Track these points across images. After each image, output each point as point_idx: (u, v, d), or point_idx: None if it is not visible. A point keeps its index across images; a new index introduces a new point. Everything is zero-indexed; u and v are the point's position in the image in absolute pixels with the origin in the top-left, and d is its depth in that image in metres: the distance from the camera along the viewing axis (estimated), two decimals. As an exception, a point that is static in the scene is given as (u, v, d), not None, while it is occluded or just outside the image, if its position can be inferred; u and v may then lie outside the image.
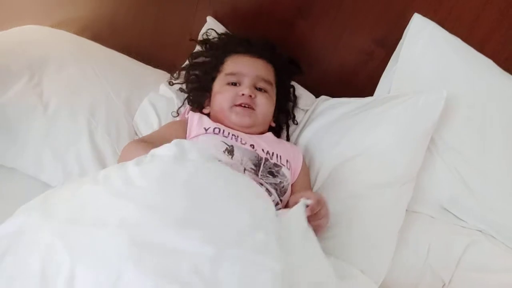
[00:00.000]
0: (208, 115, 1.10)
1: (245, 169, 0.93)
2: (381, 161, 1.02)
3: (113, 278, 0.52)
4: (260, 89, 1.07)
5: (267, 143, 1.04)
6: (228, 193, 0.67)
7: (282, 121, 1.19)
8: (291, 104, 1.21)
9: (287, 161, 1.03)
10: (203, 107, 1.13)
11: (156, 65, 1.30)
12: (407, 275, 1.03)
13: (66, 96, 1.01)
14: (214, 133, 0.99)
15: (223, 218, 0.62)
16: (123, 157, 0.90)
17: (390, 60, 1.19)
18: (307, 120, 1.20)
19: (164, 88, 1.18)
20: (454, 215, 1.10)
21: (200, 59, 1.19)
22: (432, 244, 1.04)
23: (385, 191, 1.00)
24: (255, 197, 0.71)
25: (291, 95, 1.22)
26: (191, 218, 0.60)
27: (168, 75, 1.23)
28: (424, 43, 1.13)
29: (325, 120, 1.15)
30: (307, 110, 1.23)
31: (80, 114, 1.01)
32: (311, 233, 0.73)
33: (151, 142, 0.91)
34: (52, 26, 1.22)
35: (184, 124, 1.04)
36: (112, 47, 1.25)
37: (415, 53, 1.13)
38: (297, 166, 1.05)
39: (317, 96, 1.27)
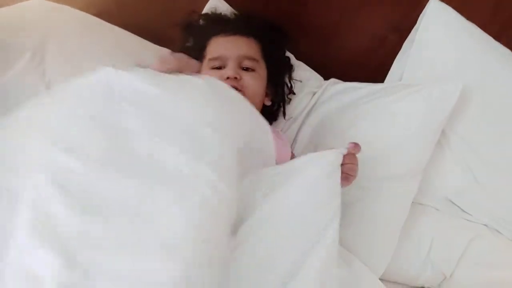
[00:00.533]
0: None
1: None
2: (391, 153, 0.99)
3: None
4: (246, 69, 1.02)
5: None
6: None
7: (278, 98, 1.13)
8: (286, 75, 1.15)
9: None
10: None
11: (165, 44, 1.26)
12: (408, 268, 1.02)
13: (69, 76, 0.99)
14: None
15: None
16: None
17: (403, 46, 1.15)
18: (314, 104, 1.16)
19: None
20: (460, 208, 1.08)
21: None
22: (436, 237, 1.03)
23: (393, 184, 0.98)
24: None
25: (285, 65, 1.15)
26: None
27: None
28: (440, 30, 1.09)
29: (334, 106, 1.11)
30: (314, 93, 1.18)
31: None
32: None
33: None
34: (56, 2, 1.19)
35: None
36: (119, 24, 1.22)
37: (430, 39, 1.09)
38: (286, 157, 1.00)
39: (325, 78, 1.22)
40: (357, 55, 1.23)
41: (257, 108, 1.03)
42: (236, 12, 1.16)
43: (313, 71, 1.22)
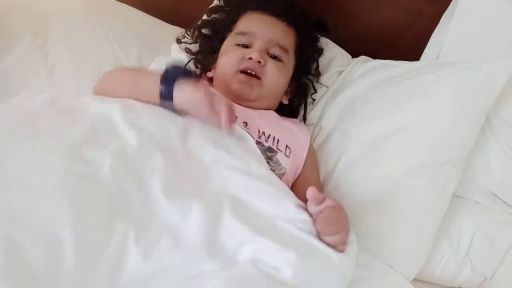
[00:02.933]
0: (211, 80, 0.97)
1: None
2: (429, 139, 0.89)
3: None
4: (273, 57, 0.92)
5: (266, 122, 0.91)
6: None
7: (298, 99, 1.03)
8: (311, 79, 1.05)
9: (286, 146, 0.89)
10: (209, 70, 0.99)
11: (176, 22, 1.20)
12: (444, 267, 0.94)
13: (72, 59, 0.96)
14: None
15: None
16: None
17: (442, 19, 1.05)
18: (341, 83, 1.06)
19: (176, 48, 1.07)
20: (504, 201, 0.98)
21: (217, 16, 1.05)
22: (476, 234, 0.93)
23: (431, 174, 0.88)
24: None
25: (314, 68, 1.05)
26: None
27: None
28: (484, 0, 0.98)
29: (365, 84, 1.00)
30: (341, 71, 1.08)
31: (86, 79, 0.93)
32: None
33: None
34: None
35: None
36: (128, 2, 1.16)
37: (472, 11, 0.99)
38: (302, 153, 0.92)
39: (354, 56, 1.13)
40: (388, 30, 1.14)
41: (272, 104, 0.96)
42: None
43: (340, 48, 1.13)
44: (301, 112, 1.04)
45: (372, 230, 0.88)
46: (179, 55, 1.06)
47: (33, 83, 0.91)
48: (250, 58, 0.89)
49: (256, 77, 0.90)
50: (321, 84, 1.06)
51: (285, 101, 1.00)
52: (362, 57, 1.10)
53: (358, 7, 1.13)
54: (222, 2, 1.06)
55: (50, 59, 0.94)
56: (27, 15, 0.97)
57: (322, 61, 1.07)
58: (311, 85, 1.05)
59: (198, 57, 1.03)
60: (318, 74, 1.06)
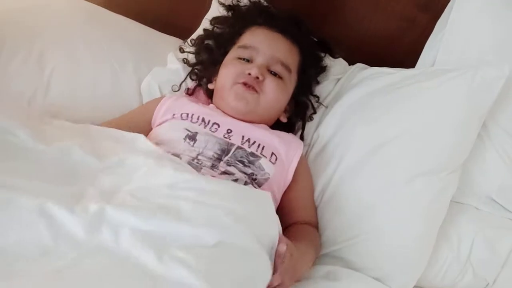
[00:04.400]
0: (212, 92, 0.98)
1: (198, 154, 0.82)
2: (426, 146, 0.89)
3: None
4: (274, 74, 0.91)
5: (252, 131, 0.90)
6: None
7: (296, 118, 1.01)
8: (311, 98, 1.03)
9: (272, 153, 0.88)
10: (210, 82, 0.99)
11: (173, 33, 1.19)
12: (445, 273, 0.93)
13: (68, 72, 0.95)
14: (182, 119, 0.88)
15: None
16: None
17: (436, 27, 1.06)
18: (339, 90, 1.06)
19: (172, 59, 1.06)
20: (503, 206, 0.98)
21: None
22: (476, 239, 0.93)
23: (428, 180, 0.88)
24: None
25: (313, 87, 1.03)
26: None
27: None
28: (477, 7, 0.98)
29: (362, 92, 1.00)
30: (339, 80, 1.08)
31: (82, 92, 0.95)
32: None
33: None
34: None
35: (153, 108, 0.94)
36: (126, 13, 1.15)
37: (466, 18, 0.99)
38: (291, 163, 0.90)
39: (350, 64, 1.12)
40: (383, 38, 1.15)
41: (267, 120, 0.95)
42: (288, 11, 1.03)
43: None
44: (298, 132, 1.02)
45: (370, 236, 0.88)
46: (175, 66, 1.05)
47: (29, 97, 0.90)
48: (250, 74, 0.88)
49: (253, 90, 0.89)
50: (321, 104, 1.03)
51: (284, 119, 0.98)
52: (359, 65, 1.10)
53: (353, 16, 1.14)
54: (226, 13, 1.05)
55: (46, 72, 0.92)
56: (22, 29, 0.95)
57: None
58: (310, 105, 1.03)
59: (197, 68, 1.02)
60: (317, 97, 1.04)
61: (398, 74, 1.00)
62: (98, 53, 0.99)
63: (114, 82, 0.99)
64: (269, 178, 0.86)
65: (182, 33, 1.18)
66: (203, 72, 1.01)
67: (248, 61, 0.92)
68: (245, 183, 0.81)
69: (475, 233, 0.93)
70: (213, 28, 1.05)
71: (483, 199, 0.97)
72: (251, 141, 0.88)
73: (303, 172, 0.93)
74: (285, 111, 0.98)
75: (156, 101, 0.96)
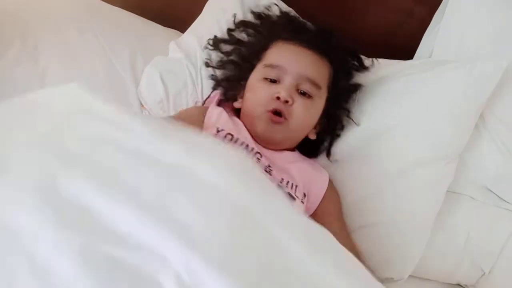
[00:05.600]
0: (239, 110, 0.93)
1: None
2: (424, 135, 0.89)
3: None
4: (303, 93, 0.86)
5: (285, 166, 0.86)
6: None
7: (325, 135, 0.95)
8: (344, 112, 0.96)
9: (304, 194, 0.85)
10: (235, 100, 0.94)
11: (169, 25, 1.19)
12: (442, 263, 0.94)
13: (64, 64, 0.94)
14: (225, 139, 0.82)
15: None
16: None
17: (433, 19, 1.06)
18: None
19: (174, 48, 1.05)
20: (499, 196, 0.98)
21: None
22: (473, 229, 0.94)
23: (426, 170, 0.88)
24: None
25: (347, 101, 0.96)
26: None
27: (181, 34, 1.10)
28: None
29: (363, 82, 0.99)
30: None
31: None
32: None
33: None
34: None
35: (203, 113, 0.88)
36: (122, 5, 1.15)
37: (462, 10, 0.99)
38: (317, 197, 0.86)
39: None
40: (380, 31, 1.14)
41: (295, 141, 0.91)
42: (315, 25, 1.01)
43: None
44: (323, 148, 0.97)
45: (368, 224, 0.89)
46: (177, 55, 1.04)
47: (25, 89, 0.88)
48: (278, 98, 0.84)
49: (283, 117, 0.85)
50: (352, 120, 0.96)
51: (313, 136, 0.93)
52: None
53: (350, 9, 1.13)
54: (259, 23, 1.01)
55: (41, 64, 0.92)
56: (18, 21, 0.95)
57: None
58: (339, 121, 0.96)
59: (224, 84, 0.98)
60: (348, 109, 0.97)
61: (396, 65, 1.00)
62: (93, 45, 0.99)
63: (110, 74, 0.99)
64: None
65: (178, 24, 1.19)
66: (229, 88, 0.97)
67: (274, 81, 0.87)
68: None
69: (471, 223, 0.94)
70: (235, 38, 1.00)
71: (479, 189, 0.98)
72: (286, 181, 0.84)
73: (331, 195, 0.89)
74: (315, 127, 0.93)
75: (202, 110, 0.90)
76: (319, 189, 0.88)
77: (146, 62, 1.03)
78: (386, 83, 0.96)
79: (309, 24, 0.99)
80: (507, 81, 0.92)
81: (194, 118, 0.86)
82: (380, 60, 1.03)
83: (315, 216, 0.85)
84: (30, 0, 1.03)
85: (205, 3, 1.11)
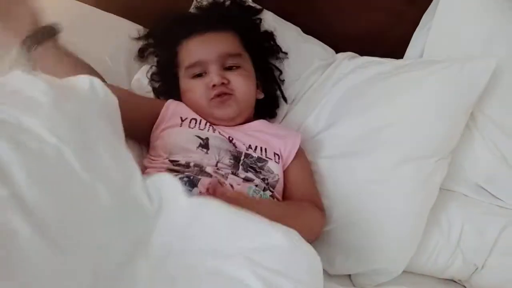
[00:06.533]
0: None
1: (217, 162, 0.82)
2: (415, 132, 0.91)
3: None
4: (230, 68, 0.91)
5: (249, 134, 0.91)
6: None
7: (270, 86, 1.02)
8: (272, 57, 1.04)
9: (274, 154, 0.89)
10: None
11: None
12: (436, 259, 0.96)
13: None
14: (189, 127, 0.87)
15: None
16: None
17: (422, 20, 1.07)
18: (329, 80, 1.07)
19: None
20: (491, 193, 1.01)
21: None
22: (466, 225, 0.96)
23: (418, 165, 0.90)
24: None
25: (268, 47, 1.03)
26: None
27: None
28: (463, 0, 0.99)
29: (354, 81, 1.01)
30: (325, 66, 1.09)
31: None
32: None
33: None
34: (48, -10, 1.12)
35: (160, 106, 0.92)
36: (116, 12, 1.15)
37: (451, 11, 1.00)
38: (289, 155, 0.91)
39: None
40: (371, 32, 1.15)
41: (250, 108, 0.95)
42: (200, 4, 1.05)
43: (323, 44, 1.14)
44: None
45: (360, 219, 0.90)
46: None
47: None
48: (214, 85, 0.88)
49: (228, 94, 0.89)
50: (283, 58, 1.06)
51: (261, 96, 0.99)
52: (349, 53, 1.12)
53: (341, 11, 1.14)
54: (153, 40, 1.03)
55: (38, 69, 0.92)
56: (13, 27, 0.94)
57: (305, 55, 1.08)
58: (274, 67, 1.05)
59: (164, 95, 1.00)
60: (275, 52, 1.05)
61: (388, 64, 1.01)
62: (89, 52, 0.99)
63: (107, 79, 0.99)
64: (279, 179, 0.87)
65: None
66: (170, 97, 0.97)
67: (201, 74, 0.91)
68: (264, 189, 0.82)
69: (464, 220, 0.96)
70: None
71: (472, 186, 1.00)
72: (253, 146, 0.89)
73: (300, 158, 0.93)
74: (257, 88, 0.98)
75: (161, 102, 0.94)
76: (290, 147, 0.92)
77: (141, 68, 1.05)
78: (377, 82, 0.98)
79: (191, 12, 1.03)
80: (497, 81, 0.93)
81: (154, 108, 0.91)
82: (372, 58, 1.05)
83: (286, 171, 0.90)
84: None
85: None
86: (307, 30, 1.14)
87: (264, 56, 1.03)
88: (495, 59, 0.90)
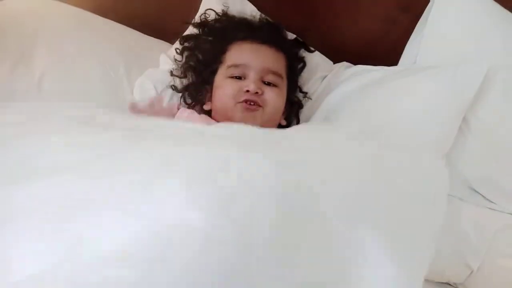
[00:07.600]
0: (209, 112, 0.99)
1: None
2: (410, 137, 0.92)
3: None
4: (268, 84, 0.93)
5: None
6: None
7: (292, 117, 1.04)
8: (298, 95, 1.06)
9: None
10: (203, 103, 1.00)
11: (162, 37, 1.21)
12: (433, 263, 0.95)
13: (60, 76, 0.96)
14: None
15: None
16: None
17: (416, 28, 1.09)
18: (326, 88, 1.10)
19: (164, 60, 1.08)
20: (484, 197, 1.01)
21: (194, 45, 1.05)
22: (461, 229, 0.96)
23: None
24: None
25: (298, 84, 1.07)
26: None
27: (171, 46, 1.13)
28: (455, 8, 1.02)
29: (349, 88, 1.04)
30: (324, 77, 1.12)
31: (74, 95, 0.95)
32: None
33: None
34: (48, -3, 1.14)
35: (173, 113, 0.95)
36: (115, 19, 1.17)
37: (444, 18, 1.03)
38: None
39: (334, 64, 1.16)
40: (365, 40, 1.18)
41: (272, 127, 0.96)
42: (263, 18, 1.07)
43: (322, 55, 1.17)
44: None
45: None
46: (167, 67, 1.07)
47: (21, 99, 0.91)
48: (248, 91, 0.90)
49: (257, 105, 0.91)
50: (308, 98, 1.08)
51: (284, 122, 1.01)
52: (345, 63, 1.15)
53: (337, 19, 1.16)
54: (203, 31, 1.05)
55: (37, 75, 0.94)
56: (12, 35, 0.97)
57: (307, 68, 1.10)
58: (300, 103, 1.06)
59: (189, 89, 1.02)
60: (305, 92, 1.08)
61: (382, 71, 1.04)
62: (89, 57, 1.01)
63: (107, 86, 1.01)
64: None
65: (171, 37, 1.20)
66: (195, 94, 1.01)
67: (240, 78, 0.93)
68: None
69: (460, 222, 0.96)
70: (194, 46, 1.05)
71: (464, 189, 1.00)
72: None
73: None
74: (283, 113, 1.00)
75: (174, 109, 0.97)
76: None
77: (140, 73, 1.06)
78: (372, 89, 1.00)
79: (255, 20, 1.05)
80: (489, 85, 0.95)
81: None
82: (367, 66, 1.07)
83: None
84: (25, 15, 1.04)
85: (195, 15, 1.14)
86: (306, 41, 1.14)
87: (297, 90, 1.06)
88: (487, 64, 0.92)
